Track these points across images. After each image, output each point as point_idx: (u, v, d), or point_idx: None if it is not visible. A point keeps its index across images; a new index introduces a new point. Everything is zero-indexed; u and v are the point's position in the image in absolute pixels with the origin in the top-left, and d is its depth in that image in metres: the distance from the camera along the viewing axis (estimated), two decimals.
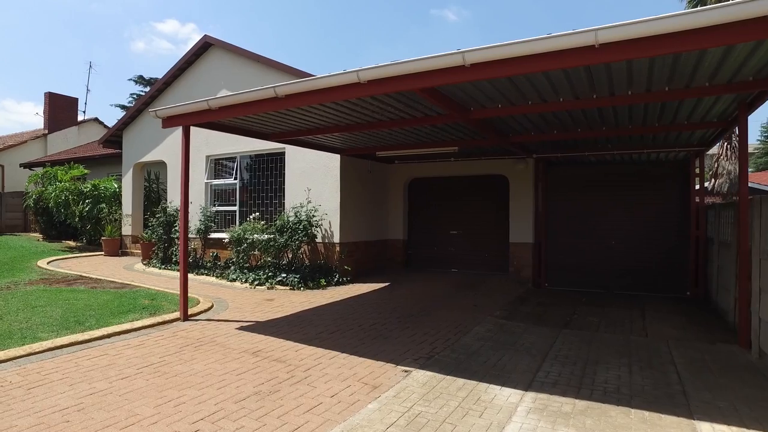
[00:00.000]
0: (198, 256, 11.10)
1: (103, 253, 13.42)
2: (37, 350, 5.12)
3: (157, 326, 6.33)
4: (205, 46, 12.01)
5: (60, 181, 14.36)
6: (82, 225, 13.89)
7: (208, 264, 10.90)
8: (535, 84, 5.10)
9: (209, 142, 11.96)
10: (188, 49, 12.30)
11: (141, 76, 42.92)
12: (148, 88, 43.46)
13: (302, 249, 10.02)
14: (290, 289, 9.12)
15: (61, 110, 22.67)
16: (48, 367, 4.70)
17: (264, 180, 11.25)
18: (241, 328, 6.31)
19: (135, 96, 43.26)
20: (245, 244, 9.92)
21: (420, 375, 4.71)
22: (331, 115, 6.64)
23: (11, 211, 20.18)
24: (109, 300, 7.49)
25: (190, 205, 11.59)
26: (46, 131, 22.36)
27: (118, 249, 13.46)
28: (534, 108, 5.98)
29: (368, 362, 5.05)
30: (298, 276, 9.31)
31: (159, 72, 42.95)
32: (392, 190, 11.89)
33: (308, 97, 5.15)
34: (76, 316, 6.43)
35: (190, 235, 11.02)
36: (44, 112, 22.60)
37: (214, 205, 11.31)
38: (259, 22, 70.34)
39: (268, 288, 9.15)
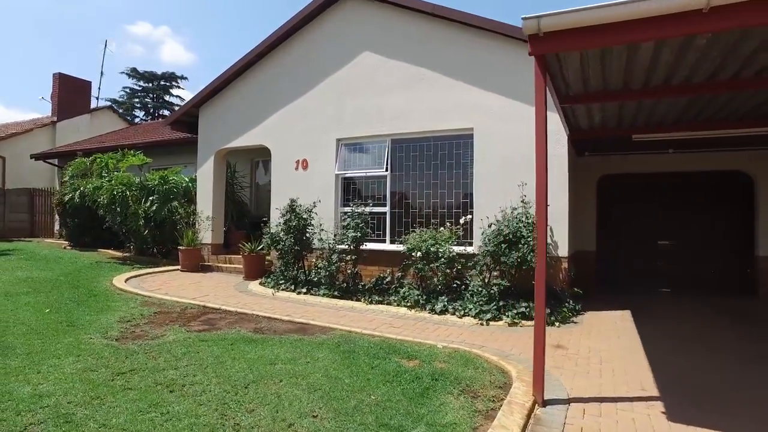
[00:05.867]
0: (349, 274, 7.72)
1: (178, 267, 9.73)
2: None
3: (531, 428, 3.17)
4: None
5: (113, 172, 10.52)
6: (146, 229, 10.12)
7: (357, 287, 7.62)
8: None
9: (342, 120, 8.67)
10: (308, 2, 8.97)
11: (135, 69, 38.16)
12: (142, 82, 38.79)
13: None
14: None
15: (71, 95, 18.35)
16: None
17: (430, 172, 8.07)
18: (683, 421, 3.25)
19: (128, 90, 38.46)
20: (443, 259, 6.75)
21: None
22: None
23: (16, 211, 15.83)
24: (342, 362, 4.19)
25: (318, 204, 8.38)
26: (55, 118, 18.00)
27: (199, 262, 9.81)
28: None
29: None
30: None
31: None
32: (581, 189, 8.97)
33: None
34: (361, 408, 3.18)
35: (339, 246, 7.66)
36: (52, 97, 18.21)
37: (367, 205, 7.97)
38: (242, 28, 65.44)
39: (508, 324, 6.03)
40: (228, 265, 9.77)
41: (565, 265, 7.07)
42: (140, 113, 38.11)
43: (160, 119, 33.51)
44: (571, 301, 6.76)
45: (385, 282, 7.78)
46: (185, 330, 5.16)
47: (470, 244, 7.53)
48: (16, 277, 7.98)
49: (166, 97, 39.05)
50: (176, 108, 38.87)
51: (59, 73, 17.97)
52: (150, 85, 38.70)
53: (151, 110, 38.50)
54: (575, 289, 7.05)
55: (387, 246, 8.17)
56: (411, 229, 7.97)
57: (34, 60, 58.59)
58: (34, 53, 58.60)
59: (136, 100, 38.31)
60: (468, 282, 7.21)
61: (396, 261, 7.89)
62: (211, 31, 64.29)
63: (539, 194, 3.69)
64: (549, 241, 7.06)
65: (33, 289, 7.07)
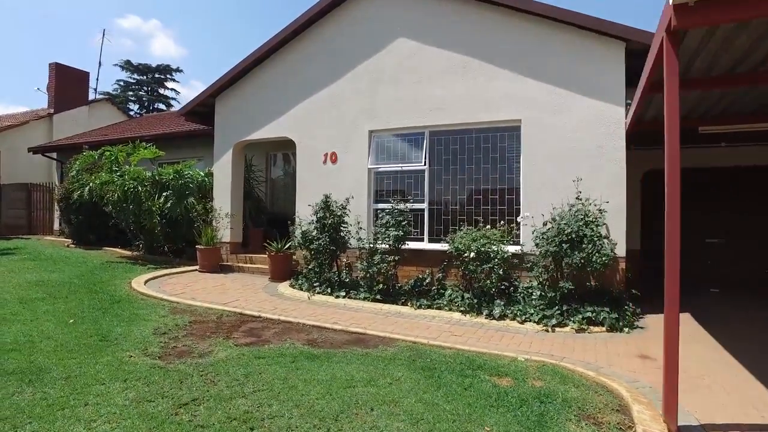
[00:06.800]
0: (389, 276, 7.12)
1: (196, 267, 9.07)
2: None
3: None
4: None
5: (123, 166, 9.78)
6: (158, 227, 9.43)
7: (396, 289, 7.08)
8: None
9: (375, 111, 8.08)
10: None
11: (128, 61, 36.92)
12: (135, 75, 37.49)
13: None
14: (607, 330, 5.56)
15: (69, 86, 17.40)
16: None
17: (472, 166, 7.51)
18: None
19: (122, 83, 37.18)
20: (496, 260, 6.23)
21: None
22: None
23: (13, 207, 15.00)
24: (427, 382, 3.65)
25: (351, 200, 7.79)
26: (52, 110, 17.06)
27: (218, 262, 9.16)
28: None
29: None
30: (608, 309, 5.77)
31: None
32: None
33: None
34: None
35: (381, 246, 7.07)
36: (48, 88, 17.25)
37: (407, 201, 7.37)
38: (235, 22, 63.82)
39: (575, 330, 5.53)
40: (250, 266, 9.14)
41: (622, 265, 6.59)
42: (134, 107, 36.86)
43: (155, 112, 32.45)
44: (630, 304, 6.29)
45: (424, 283, 7.23)
46: (232, 344, 4.57)
47: (517, 243, 7.03)
48: (26, 280, 7.29)
49: (161, 90, 37.92)
50: (172, 101, 37.82)
51: (56, 63, 17.03)
52: (144, 77, 37.47)
53: (146, 103, 37.32)
54: (633, 291, 6.59)
55: (425, 245, 7.61)
56: (451, 228, 7.45)
57: (21, 53, 56.69)
58: (20, 46, 56.67)
59: (131, 93, 37.05)
60: (517, 284, 6.72)
61: (436, 261, 7.36)
62: (202, 25, 62.81)
63: (671, 187, 3.17)
64: (606, 239, 6.58)
65: (48, 294, 6.40)
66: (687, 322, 6.28)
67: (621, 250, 6.57)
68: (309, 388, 3.44)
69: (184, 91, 50.58)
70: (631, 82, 6.79)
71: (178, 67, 43.29)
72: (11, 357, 3.88)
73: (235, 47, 63.50)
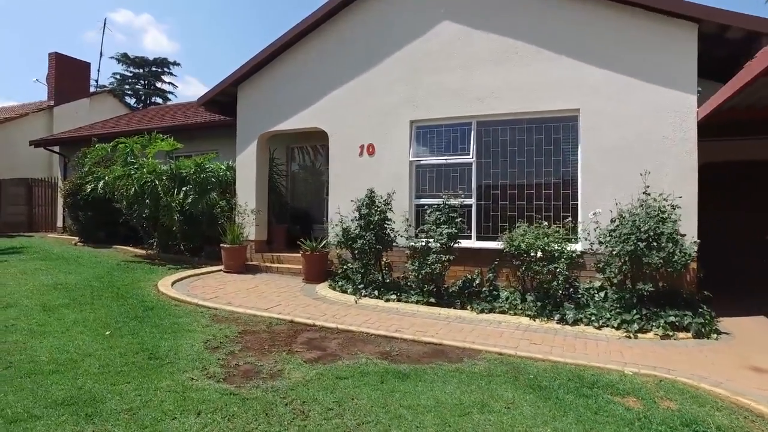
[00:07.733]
0: (437, 276, 6.54)
1: (220, 268, 8.40)
2: None
3: None
4: None
5: (139, 159, 9.07)
6: (178, 224, 8.74)
7: (446, 291, 6.55)
8: None
9: (416, 100, 7.49)
10: None
11: (125, 54, 35.75)
12: (132, 68, 36.28)
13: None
14: (693, 336, 5.06)
15: (69, 77, 16.50)
16: None
17: (523, 159, 6.97)
18: None
19: (118, 76, 35.96)
20: (563, 260, 5.71)
21: None
22: None
23: (13, 203, 14.16)
24: (547, 405, 3.12)
25: (393, 195, 7.21)
26: (52, 103, 16.18)
27: (244, 262, 8.52)
28: None
29: None
30: (690, 314, 5.27)
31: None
32: None
33: None
34: None
35: (433, 244, 6.46)
36: (48, 79, 16.35)
37: (458, 196, 6.79)
38: (230, 17, 62.24)
39: (660, 336, 5.03)
40: (278, 265, 8.51)
41: (693, 265, 6.10)
42: (131, 100, 35.69)
43: (152, 106, 31.44)
44: (705, 307, 5.80)
45: (474, 284, 6.70)
46: (300, 360, 3.98)
47: (575, 241, 6.52)
48: (42, 283, 6.62)
49: (158, 84, 36.81)
50: (169, 95, 36.75)
51: (56, 52, 16.12)
52: (141, 71, 36.31)
53: (143, 97, 36.19)
54: (705, 292, 6.11)
55: (474, 243, 7.06)
56: (501, 225, 6.93)
57: (10, 47, 54.93)
58: (7, 39, 54.89)
59: (127, 86, 35.89)
60: (577, 284, 6.21)
61: (485, 261, 6.83)
62: (196, 20, 61.33)
63: None
64: (677, 237, 6.08)
65: (71, 299, 5.75)
66: None
67: (693, 248, 6.06)
68: (420, 418, 2.88)
69: (180, 86, 49.45)
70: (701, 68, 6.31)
71: (175, 61, 42.20)
72: (55, 381, 3.26)
73: (230, 43, 62.28)
